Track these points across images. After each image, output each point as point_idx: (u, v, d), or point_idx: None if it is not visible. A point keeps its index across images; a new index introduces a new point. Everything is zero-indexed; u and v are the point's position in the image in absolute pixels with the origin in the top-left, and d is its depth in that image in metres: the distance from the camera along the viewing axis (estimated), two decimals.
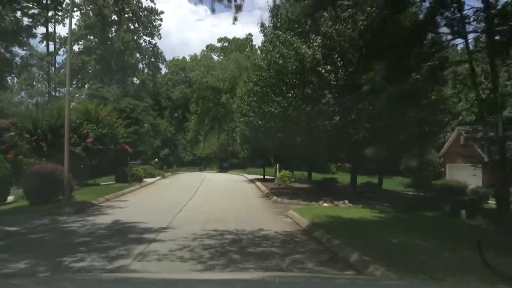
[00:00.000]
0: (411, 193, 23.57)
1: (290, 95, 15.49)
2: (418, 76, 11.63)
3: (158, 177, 30.52)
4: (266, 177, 29.47)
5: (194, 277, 3.66)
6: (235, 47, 60.13)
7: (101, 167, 28.79)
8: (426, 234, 8.86)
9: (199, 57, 48.83)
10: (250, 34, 62.62)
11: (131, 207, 14.62)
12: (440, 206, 15.30)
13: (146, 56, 42.47)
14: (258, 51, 17.10)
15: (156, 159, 61.65)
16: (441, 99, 16.41)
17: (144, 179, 26.83)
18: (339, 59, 14.83)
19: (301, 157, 26.05)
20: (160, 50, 43.39)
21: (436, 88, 14.31)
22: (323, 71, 14.86)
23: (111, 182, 25.31)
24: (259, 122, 23.96)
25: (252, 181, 27.45)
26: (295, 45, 15.24)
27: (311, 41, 15.13)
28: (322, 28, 15.06)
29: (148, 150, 42.13)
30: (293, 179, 22.59)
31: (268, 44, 17.21)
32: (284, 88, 15.73)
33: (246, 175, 34.46)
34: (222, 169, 51.98)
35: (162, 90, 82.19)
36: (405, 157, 19.75)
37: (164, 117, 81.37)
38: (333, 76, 14.91)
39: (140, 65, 43.25)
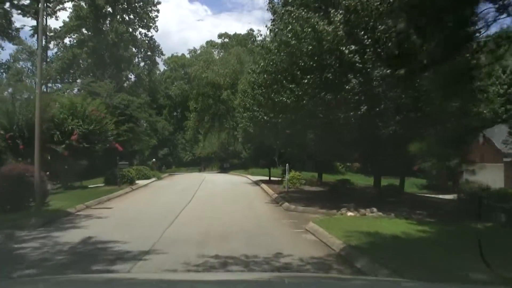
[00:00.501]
0: (439, 197, 21.00)
1: (306, 81, 12.84)
2: (476, 49, 8.98)
3: (153, 179, 27.91)
4: (271, 178, 26.86)
5: (195, 278, 3.57)
6: (236, 42, 57.44)
7: (91, 168, 26.15)
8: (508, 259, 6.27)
9: (198, 51, 46.24)
10: (251, 30, 59.96)
11: (113, 217, 12.01)
12: (486, 214, 12.66)
13: (142, 49, 39.82)
14: (267, 33, 14.50)
15: (154, 159, 59.02)
16: (483, 88, 13.79)
17: (137, 181, 24.22)
18: (365, 36, 12.17)
19: (310, 156, 23.44)
20: (156, 43, 40.78)
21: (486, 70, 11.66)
22: (347, 51, 12.22)
23: (100, 185, 22.71)
24: (265, 118, 21.33)
25: (256, 183, 24.82)
26: (312, 20, 12.61)
27: (331, 16, 12.49)
28: (343, 1, 12.41)
29: (144, 150, 39.48)
30: (304, 181, 19.97)
31: (278, 22, 14.54)
32: (298, 73, 13.10)
33: (249, 176, 31.83)
34: (223, 170, 49.36)
35: (161, 88, 79.74)
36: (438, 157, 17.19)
37: (163, 116, 79.14)
38: (358, 57, 12.26)
39: (136, 60, 40.55)
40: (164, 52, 40.90)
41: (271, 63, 14.18)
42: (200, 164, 66.51)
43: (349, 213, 12.32)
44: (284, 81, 13.34)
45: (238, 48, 48.21)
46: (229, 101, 44.62)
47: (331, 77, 12.54)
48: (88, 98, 23.57)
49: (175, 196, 17.23)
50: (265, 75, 15.04)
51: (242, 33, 62.58)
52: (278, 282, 2.88)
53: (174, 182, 26.32)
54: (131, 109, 35.65)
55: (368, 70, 12.27)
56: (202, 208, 13.56)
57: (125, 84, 41.33)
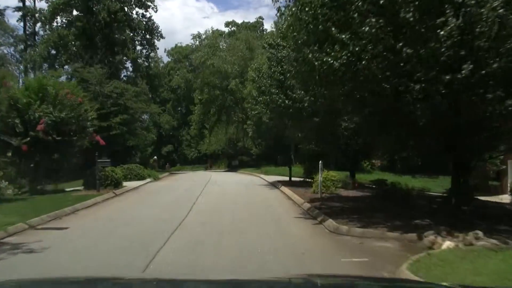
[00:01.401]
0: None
1: (367, 28, 7.91)
2: None
3: (147, 180, 23.20)
4: (292, 179, 22.02)
5: (198, 278, 3.35)
6: (245, 31, 52.33)
7: (77, 167, 21.45)
8: None
9: (203, 36, 41.48)
10: (261, 18, 54.86)
11: (55, 249, 7.25)
12: None
13: (139, 31, 34.95)
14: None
15: (155, 157, 54.43)
16: None
17: (126, 183, 19.52)
18: None
19: (345, 150, 18.54)
20: (155, 25, 35.88)
21: None
22: None
23: (78, 188, 17.99)
24: (286, 101, 16.56)
25: (274, 185, 19.97)
26: None
27: None
28: None
29: (142, 145, 34.73)
30: (340, 184, 15.04)
31: None
32: (355, 15, 8.17)
33: (262, 176, 26.99)
34: (231, 168, 44.57)
35: (165, 81, 75.27)
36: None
37: (167, 111, 74.66)
38: None
39: (134, 44, 35.68)
40: (164, 35, 35.87)
41: (306, 8, 9.21)
42: (206, 161, 61.71)
43: (446, 242, 7.39)
44: (332, 29, 8.38)
45: (247, 32, 43.29)
46: (237, 91, 39.81)
47: (411, 18, 7.60)
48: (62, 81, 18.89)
49: (165, 209, 12.41)
50: (294, 33, 10.09)
51: (251, 21, 57.76)
52: (284, 282, 2.82)
53: (172, 184, 21.52)
54: (126, 98, 30.94)
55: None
56: (202, 232, 8.70)
57: (123, 75, 36.70)
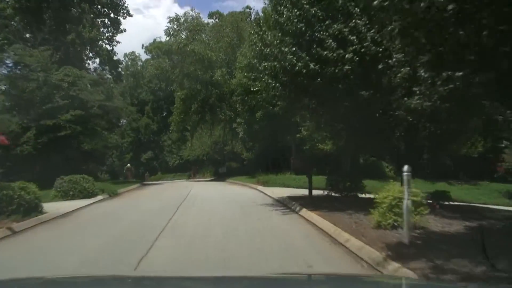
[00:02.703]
0: None
1: None
2: None
3: (98, 197, 16.03)
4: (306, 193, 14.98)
5: (190, 275, 3.33)
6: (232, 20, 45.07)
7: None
8: None
9: (182, 19, 34.25)
10: (248, 7, 47.74)
11: None
12: None
13: (98, 6, 27.60)
14: None
15: (129, 165, 46.84)
16: None
17: (57, 205, 12.42)
18: None
19: (399, 151, 11.72)
20: (122, 0, 28.59)
21: None
22: None
23: None
24: (311, 65, 9.69)
25: (284, 203, 12.91)
26: None
27: None
28: None
29: (102, 149, 27.32)
30: (427, 210, 8.08)
31: None
32: None
33: (261, 187, 19.89)
34: (218, 176, 37.36)
35: (143, 81, 68.04)
36: None
37: (146, 114, 67.36)
38: None
39: (101, 30, 28.14)
40: (131, 13, 28.54)
41: None
42: (190, 169, 54.29)
43: None
44: None
45: (235, 13, 36.33)
46: (224, 84, 32.75)
47: None
48: None
49: (91, 262, 5.33)
50: None
51: (238, 10, 50.45)
52: (279, 280, 2.68)
53: (127, 206, 14.08)
54: (79, 88, 23.68)
55: None
56: None
57: (88, 64, 29.29)
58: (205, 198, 15.47)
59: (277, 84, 10.35)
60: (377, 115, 10.06)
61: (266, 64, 10.72)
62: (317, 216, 9.37)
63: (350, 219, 8.64)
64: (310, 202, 11.78)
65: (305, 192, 15.95)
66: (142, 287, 2.62)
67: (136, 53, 68.74)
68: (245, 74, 27.52)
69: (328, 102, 10.25)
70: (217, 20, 47.37)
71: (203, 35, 34.54)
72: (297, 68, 9.66)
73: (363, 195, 13.76)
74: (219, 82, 32.66)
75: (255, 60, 12.01)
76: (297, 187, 19.01)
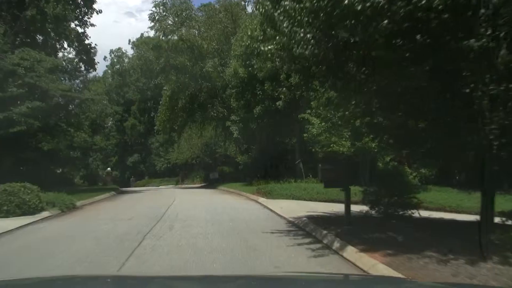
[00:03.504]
0: None
1: None
2: None
3: (42, 214, 11.63)
4: (322, 207, 10.68)
5: (187, 275, 3.47)
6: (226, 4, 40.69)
7: None
8: None
9: (169, 3, 29.86)
10: None
11: None
12: None
13: None
14: None
15: (109, 169, 42.27)
16: None
17: None
18: None
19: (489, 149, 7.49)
20: None
21: None
22: None
23: None
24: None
25: (305, 229, 8.62)
26: None
27: None
28: None
29: (64, 150, 22.70)
30: None
31: None
32: None
33: (262, 200, 15.51)
34: (209, 183, 32.89)
35: (130, 79, 63.65)
36: None
37: (131, 114, 62.91)
38: None
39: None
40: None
41: None
42: (178, 173, 49.72)
43: None
44: None
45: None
46: (217, 77, 28.42)
47: None
48: None
49: None
50: None
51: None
52: (275, 279, 2.67)
53: (74, 232, 9.52)
54: (37, 74, 19.17)
55: None
56: None
57: (60, 50, 24.68)
58: (189, 217, 11.02)
59: (309, 36, 6.01)
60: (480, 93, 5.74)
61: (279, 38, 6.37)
62: (384, 266, 5.07)
63: (455, 272, 4.35)
64: (350, 230, 7.47)
65: (325, 206, 11.71)
66: (129, 286, 2.54)
67: (123, 49, 64.48)
68: (241, 62, 23.47)
69: (394, 68, 5.97)
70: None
71: (193, 22, 30.16)
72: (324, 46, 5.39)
73: (416, 214, 9.57)
74: (211, 74, 28.32)
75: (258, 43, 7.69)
76: (309, 200, 14.76)
